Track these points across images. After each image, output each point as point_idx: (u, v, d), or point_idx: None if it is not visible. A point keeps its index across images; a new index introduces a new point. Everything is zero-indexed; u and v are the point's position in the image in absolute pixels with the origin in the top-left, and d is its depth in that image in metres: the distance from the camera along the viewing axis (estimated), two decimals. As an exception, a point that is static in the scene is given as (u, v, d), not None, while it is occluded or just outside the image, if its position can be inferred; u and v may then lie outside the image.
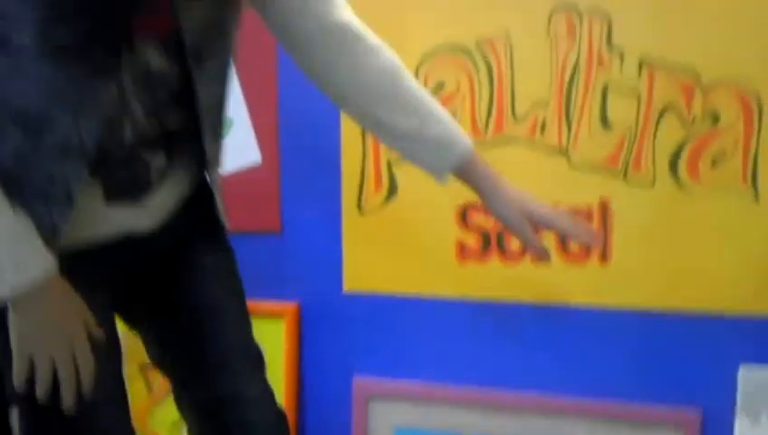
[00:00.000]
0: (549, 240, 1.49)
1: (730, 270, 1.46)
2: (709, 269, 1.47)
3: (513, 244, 1.53)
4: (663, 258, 1.48)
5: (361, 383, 1.68)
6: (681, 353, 1.48)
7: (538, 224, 1.17)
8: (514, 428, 1.60)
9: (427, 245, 1.59)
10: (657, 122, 1.45)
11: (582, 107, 1.48)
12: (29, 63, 0.91)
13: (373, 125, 1.18)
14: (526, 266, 1.53)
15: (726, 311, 1.45)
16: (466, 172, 1.17)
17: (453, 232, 1.55)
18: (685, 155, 1.44)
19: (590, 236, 1.18)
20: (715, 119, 1.43)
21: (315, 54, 1.15)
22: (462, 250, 1.55)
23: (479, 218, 1.54)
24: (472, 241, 1.55)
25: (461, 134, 1.17)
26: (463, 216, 1.54)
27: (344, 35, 1.14)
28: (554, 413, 1.57)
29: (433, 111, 1.17)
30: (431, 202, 1.57)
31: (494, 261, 1.54)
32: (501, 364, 1.58)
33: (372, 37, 1.17)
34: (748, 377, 1.46)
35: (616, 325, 1.52)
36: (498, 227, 1.53)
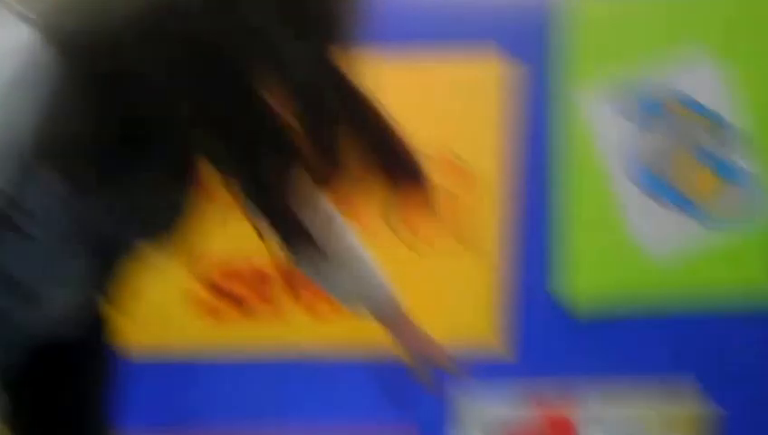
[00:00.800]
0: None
1: (450, 314, 1.52)
2: (429, 312, 1.50)
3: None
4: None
5: None
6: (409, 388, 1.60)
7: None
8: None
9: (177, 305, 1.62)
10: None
11: None
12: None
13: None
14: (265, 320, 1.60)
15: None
16: (381, 318, 1.32)
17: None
18: (398, 211, 1.54)
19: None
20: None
21: None
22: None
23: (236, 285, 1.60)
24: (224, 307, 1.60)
25: (384, 286, 1.32)
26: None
27: None
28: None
29: (364, 262, 1.31)
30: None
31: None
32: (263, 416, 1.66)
33: None
34: (466, 410, 1.54)
35: (351, 368, 1.58)
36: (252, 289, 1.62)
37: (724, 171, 1.51)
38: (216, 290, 1.60)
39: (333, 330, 1.60)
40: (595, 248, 1.52)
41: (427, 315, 1.55)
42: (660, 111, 1.54)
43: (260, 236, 1.04)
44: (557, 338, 1.55)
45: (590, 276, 1.53)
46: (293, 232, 1.10)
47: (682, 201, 1.50)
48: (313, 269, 1.29)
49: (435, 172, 1.50)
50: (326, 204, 1.14)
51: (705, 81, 1.51)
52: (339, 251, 1.31)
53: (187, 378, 1.64)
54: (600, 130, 1.52)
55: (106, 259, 1.05)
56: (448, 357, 1.42)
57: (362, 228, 1.53)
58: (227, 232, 1.47)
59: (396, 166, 1.07)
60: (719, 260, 1.50)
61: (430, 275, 1.56)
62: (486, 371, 1.57)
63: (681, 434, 1.54)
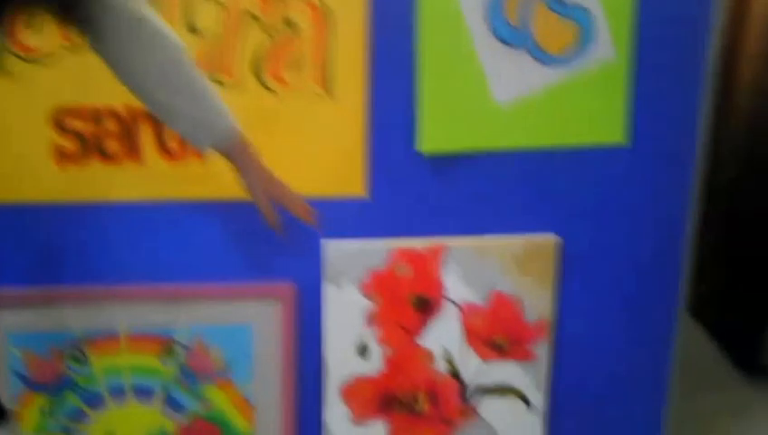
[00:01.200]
0: (147, 138, 1.56)
1: (313, 160, 1.63)
2: (296, 160, 1.62)
3: (113, 146, 1.57)
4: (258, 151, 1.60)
5: None
6: (273, 235, 1.58)
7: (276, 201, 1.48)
8: (123, 317, 1.66)
9: (23, 150, 1.58)
10: (241, 28, 1.54)
11: (170, 13, 1.51)
12: None
13: (149, 102, 1.35)
14: (127, 167, 1.58)
15: (311, 194, 1.61)
16: (225, 151, 1.41)
17: (48, 136, 1.54)
18: (266, 59, 1.55)
19: (309, 216, 1.52)
20: (292, 27, 1.55)
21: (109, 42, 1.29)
22: (60, 154, 1.55)
23: (75, 122, 1.55)
24: (69, 145, 1.55)
25: (226, 117, 1.38)
26: (57, 120, 1.54)
27: (135, 21, 1.28)
28: (161, 300, 1.65)
29: (206, 94, 1.37)
30: (23, 107, 1.55)
31: (95, 163, 1.57)
32: (104, 261, 1.62)
33: (158, 20, 1.32)
34: (331, 250, 1.67)
35: (217, 214, 1.63)
36: (96, 130, 1.55)
37: (569, 13, 1.59)
38: (67, 132, 1.56)
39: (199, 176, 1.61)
40: (449, 94, 1.59)
41: (292, 160, 1.62)
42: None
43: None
44: (414, 181, 1.63)
45: (444, 121, 1.59)
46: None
47: (531, 45, 1.58)
48: (158, 106, 1.36)
49: (298, 17, 1.57)
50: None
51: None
52: (181, 82, 1.36)
53: (46, 225, 1.62)
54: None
55: None
56: (299, 200, 1.51)
57: (230, 79, 1.55)
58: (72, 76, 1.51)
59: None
60: (563, 100, 1.60)
61: (294, 121, 1.60)
62: (349, 214, 1.65)
63: (533, 262, 1.68)
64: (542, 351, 1.76)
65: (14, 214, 1.61)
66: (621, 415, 1.85)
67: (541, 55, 1.60)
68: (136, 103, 1.45)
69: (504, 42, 1.59)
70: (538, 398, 1.79)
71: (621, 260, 1.74)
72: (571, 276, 1.73)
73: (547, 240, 1.70)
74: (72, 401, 1.72)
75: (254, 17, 1.56)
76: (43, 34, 1.51)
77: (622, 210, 1.71)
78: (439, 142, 1.63)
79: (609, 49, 1.61)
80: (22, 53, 1.51)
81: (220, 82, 1.55)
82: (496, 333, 1.75)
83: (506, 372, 1.77)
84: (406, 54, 1.59)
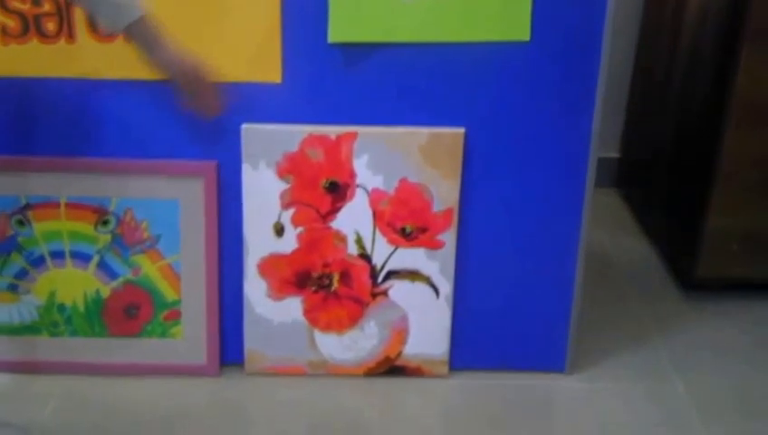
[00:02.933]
0: (80, 19, 1.68)
1: (232, 47, 1.73)
2: (216, 47, 1.71)
3: (50, 26, 1.72)
4: (175, 36, 1.60)
5: None
6: (195, 115, 1.69)
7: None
8: (64, 187, 1.80)
9: None
10: None
11: None
12: None
13: None
14: (63, 46, 1.73)
15: (226, 79, 1.71)
16: (138, 33, 1.50)
17: (-9, 15, 1.79)
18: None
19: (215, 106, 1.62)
20: None
21: None
22: (3, 32, 1.70)
23: (16, 3, 1.70)
24: (12, 24, 1.70)
25: (135, 4, 1.50)
26: (1, 1, 1.71)
27: None
28: (96, 171, 1.80)
29: None
30: None
31: (34, 42, 1.73)
32: (47, 133, 1.77)
33: None
34: (249, 133, 1.80)
35: (145, 96, 1.74)
36: (35, 11, 1.70)
37: None
38: (10, 12, 1.69)
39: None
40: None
41: (212, 47, 1.71)
42: None
43: None
44: (326, 70, 1.72)
45: (352, 13, 1.67)
46: None
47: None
48: None
49: None
50: None
51: None
52: None
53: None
54: None
55: None
56: (210, 88, 1.60)
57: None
58: None
59: None
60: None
61: (214, 10, 1.68)
62: (265, 99, 1.76)
63: (439, 153, 1.76)
64: (448, 239, 1.87)
65: None
66: (527, 306, 1.93)
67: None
68: (69, -15, 1.67)
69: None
70: (445, 285, 1.90)
71: (526, 152, 1.80)
72: (477, 168, 1.82)
73: (453, 132, 1.79)
74: (18, 261, 1.91)
75: None
76: None
77: (526, 104, 1.77)
78: (348, 34, 1.71)
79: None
80: (-36, -65, 1.73)
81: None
82: (405, 220, 1.85)
83: (415, 257, 1.88)
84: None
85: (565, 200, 1.86)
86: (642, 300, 2.36)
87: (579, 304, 1.96)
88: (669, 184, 2.57)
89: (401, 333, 1.95)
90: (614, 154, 2.98)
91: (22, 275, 1.92)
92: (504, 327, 1.97)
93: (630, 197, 2.94)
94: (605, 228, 2.67)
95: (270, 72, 1.75)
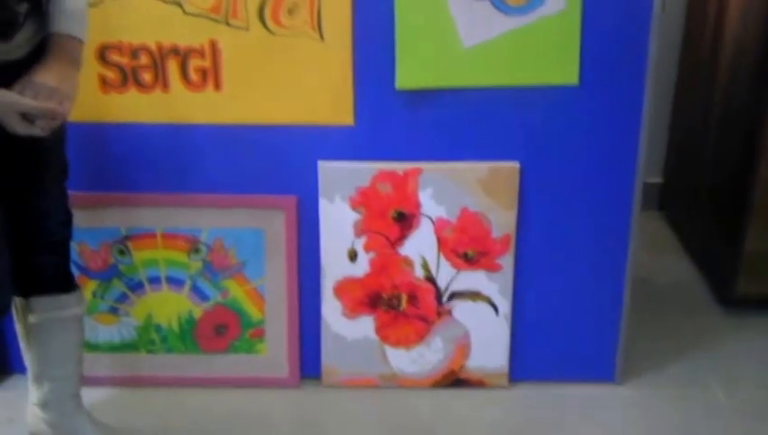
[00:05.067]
0: (173, 71, 1.90)
1: (308, 93, 1.94)
2: (294, 93, 1.95)
3: (147, 77, 1.93)
4: (261, 85, 1.94)
5: None
6: (278, 154, 1.99)
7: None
8: (159, 219, 2.02)
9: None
10: (248, -20, 1.96)
11: None
12: None
13: None
14: (158, 95, 1.94)
15: (305, 122, 1.96)
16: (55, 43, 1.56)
17: (95, 68, 1.91)
18: (269, 6, 1.87)
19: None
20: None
21: None
22: (104, 82, 1.92)
23: (116, 56, 1.91)
24: (112, 75, 1.92)
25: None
26: (102, 54, 1.91)
27: None
28: (189, 206, 2.01)
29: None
30: None
31: (132, 91, 1.94)
32: (145, 172, 1.99)
33: None
34: (325, 170, 2.00)
35: (232, 137, 1.97)
36: (133, 63, 1.91)
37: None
38: (110, 65, 1.91)
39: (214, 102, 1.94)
40: (422, 39, 1.85)
41: (291, 94, 1.94)
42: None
43: None
44: (393, 113, 1.91)
45: (418, 62, 1.86)
46: None
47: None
48: None
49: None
50: None
51: None
52: None
53: (95, 140, 1.99)
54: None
55: None
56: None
57: (239, 22, 1.84)
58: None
59: None
60: (522, 45, 1.84)
61: (292, 60, 1.89)
62: (340, 140, 1.96)
63: (496, 185, 1.94)
64: (507, 262, 2.05)
65: (71, 132, 1.90)
66: (580, 321, 2.11)
67: (502, 6, 1.86)
68: (165, 41, 1.88)
69: (470, -6, 1.90)
70: (504, 304, 2.09)
71: (576, 181, 1.99)
72: (531, 197, 2.00)
73: (509, 166, 1.98)
74: (119, 286, 2.13)
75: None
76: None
77: (575, 138, 1.95)
78: (414, 80, 1.91)
79: (561, 0, 1.86)
80: (75, 1, 1.93)
81: (230, 24, 1.89)
82: (466, 245, 2.05)
83: (476, 279, 2.07)
84: (386, 4, 1.87)
85: (613, 224, 2.04)
86: (685, 316, 2.52)
87: (627, 318, 2.13)
88: (710, 207, 2.71)
89: (464, 349, 2.14)
90: (658, 179, 3.13)
91: (122, 298, 2.14)
92: (559, 341, 2.15)
93: (674, 219, 3.09)
94: (650, 249, 2.82)
95: (343, 115, 1.96)
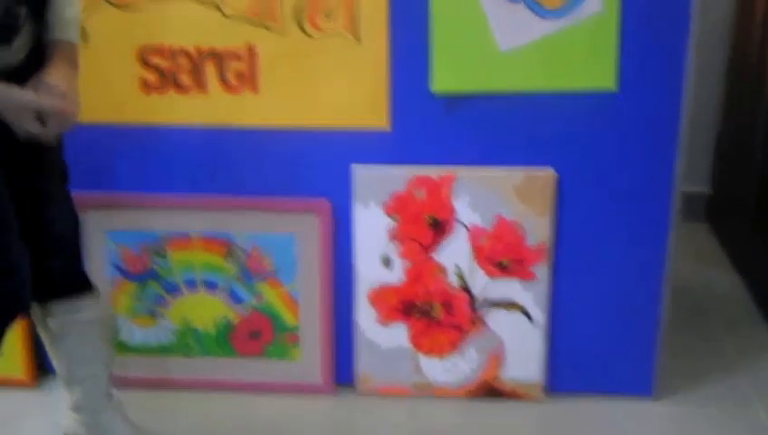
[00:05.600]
0: (211, 73, 1.93)
1: (344, 96, 1.96)
2: (330, 96, 1.96)
3: (185, 79, 1.97)
4: (297, 88, 1.95)
5: (74, 198, 2.01)
6: (313, 158, 1.99)
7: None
8: (196, 222, 2.05)
9: (116, 81, 1.99)
10: (284, -17, 1.99)
11: None
12: None
13: None
14: (196, 97, 1.97)
15: (341, 125, 1.96)
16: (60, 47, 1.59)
17: (136, 70, 1.95)
18: (305, 9, 1.89)
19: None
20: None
21: None
22: (145, 84, 1.96)
23: (156, 59, 1.95)
24: (152, 77, 1.96)
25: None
26: (143, 57, 1.94)
27: None
28: (224, 209, 2.03)
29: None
30: (117, 46, 1.95)
31: (171, 93, 1.98)
32: (183, 174, 2.02)
33: None
34: (359, 174, 2.00)
35: (267, 140, 1.99)
36: (172, 66, 1.94)
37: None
38: (150, 67, 1.94)
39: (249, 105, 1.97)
40: (458, 43, 1.85)
41: (327, 97, 1.95)
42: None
43: None
44: (429, 117, 1.91)
45: (453, 66, 1.86)
46: None
47: (529, 0, 1.81)
48: None
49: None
50: None
51: None
52: None
53: (135, 142, 2.02)
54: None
55: None
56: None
57: (276, 25, 1.86)
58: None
59: None
60: (558, 49, 1.83)
61: (328, 63, 1.91)
62: (375, 144, 1.96)
63: (532, 192, 1.92)
64: (542, 271, 2.02)
65: (110, 133, 2.02)
66: (617, 333, 2.06)
67: (538, 9, 1.85)
68: (203, 45, 1.91)
69: (508, -1, 1.90)
70: (539, 314, 2.05)
71: (614, 190, 1.95)
72: (568, 205, 1.97)
73: (545, 173, 1.95)
74: (156, 288, 2.16)
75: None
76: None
77: (613, 146, 1.92)
78: (449, 84, 1.91)
79: (598, 2, 1.83)
80: (115, 2, 1.93)
81: (267, 28, 1.91)
82: (500, 253, 2.02)
83: (510, 288, 2.04)
84: (422, 7, 1.88)
85: (652, 234, 1.99)
86: (728, 331, 2.45)
87: (666, 332, 2.07)
88: (758, 219, 2.65)
89: (498, 359, 2.11)
90: (705, 190, 3.07)
91: (159, 301, 2.16)
92: (595, 354, 2.10)
93: (720, 231, 3.02)
94: (695, 261, 2.77)
95: (379, 119, 1.96)
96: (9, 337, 1.88)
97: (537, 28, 1.85)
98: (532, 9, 1.84)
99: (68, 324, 1.80)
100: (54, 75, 1.57)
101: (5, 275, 1.59)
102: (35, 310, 1.81)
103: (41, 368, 2.20)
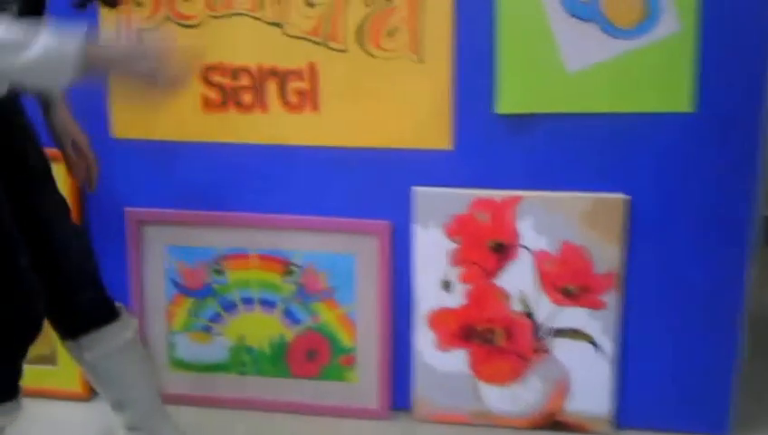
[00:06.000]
0: (272, 92, 1.90)
1: (406, 116, 1.91)
2: (392, 115, 1.91)
3: (246, 98, 1.95)
4: (358, 107, 1.92)
5: (133, 213, 2.08)
6: (373, 179, 1.95)
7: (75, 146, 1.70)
8: (254, 241, 2.03)
9: (178, 99, 1.89)
10: (347, 3, 1.85)
11: None
12: None
13: None
14: (257, 115, 1.95)
15: (401, 146, 1.92)
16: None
17: (197, 88, 1.93)
18: (367, 28, 1.86)
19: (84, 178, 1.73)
20: (388, 0, 1.84)
21: None
22: (206, 102, 1.94)
23: (218, 77, 1.93)
24: (213, 95, 1.94)
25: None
26: (204, 75, 1.92)
27: None
28: (282, 228, 2.01)
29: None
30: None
31: (232, 111, 1.96)
32: (242, 192, 2.00)
33: None
34: (421, 196, 1.94)
35: (327, 160, 1.96)
36: (233, 84, 1.93)
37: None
38: (212, 85, 1.92)
39: (310, 125, 1.93)
40: (525, 62, 1.78)
41: (388, 116, 1.90)
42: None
43: None
44: (493, 138, 1.85)
45: (520, 86, 1.80)
46: None
47: (601, 19, 1.73)
48: None
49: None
50: None
51: None
52: None
53: (196, 160, 2.01)
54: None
55: None
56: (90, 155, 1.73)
57: (339, 45, 1.82)
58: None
59: None
60: (631, 70, 1.75)
61: (391, 82, 1.87)
62: (437, 165, 1.91)
63: (601, 218, 1.84)
64: (611, 299, 1.93)
65: (171, 150, 2.00)
66: (691, 366, 1.95)
67: (610, 28, 1.77)
68: (265, 63, 1.88)
69: (575, 16, 1.77)
70: (607, 344, 1.96)
71: (689, 216, 1.86)
72: (639, 232, 1.88)
73: (616, 198, 1.86)
74: (213, 305, 2.13)
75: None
76: (194, 3, 1.91)
77: (688, 170, 1.83)
78: (515, 105, 1.84)
79: (675, 22, 1.74)
80: (179, 20, 1.92)
81: (329, 47, 1.88)
82: (567, 280, 1.94)
83: (577, 317, 1.96)
84: (487, 26, 1.81)
85: (729, 262, 1.89)
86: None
87: (743, 366, 1.98)
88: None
89: (563, 389, 2.02)
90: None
91: (216, 318, 2.13)
92: (667, 387, 2.00)
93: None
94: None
95: (441, 139, 1.90)
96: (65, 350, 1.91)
97: (608, 48, 1.77)
98: (603, 28, 1.76)
99: (105, 354, 1.77)
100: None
101: (21, 298, 1.55)
102: (70, 347, 1.78)
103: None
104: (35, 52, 1.22)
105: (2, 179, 1.52)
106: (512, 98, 1.83)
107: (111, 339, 1.76)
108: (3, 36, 1.23)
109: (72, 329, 1.74)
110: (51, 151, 1.69)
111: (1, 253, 1.51)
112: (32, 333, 1.59)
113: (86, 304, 1.74)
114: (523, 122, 1.85)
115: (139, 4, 1.92)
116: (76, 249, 1.71)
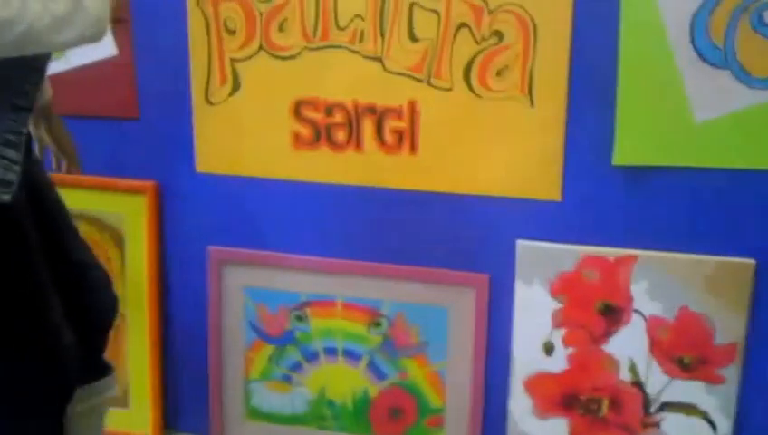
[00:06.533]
0: (368, 130, 1.78)
1: (512, 161, 1.75)
2: (496, 160, 1.76)
3: (340, 135, 1.83)
4: (460, 151, 1.77)
5: (214, 251, 1.98)
6: (473, 228, 1.79)
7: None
8: (341, 287, 1.90)
9: (267, 134, 1.87)
10: (454, 38, 1.72)
11: (393, 22, 1.73)
12: None
13: None
14: (350, 155, 1.83)
15: (506, 194, 1.76)
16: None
17: (288, 123, 1.82)
18: (476, 66, 1.71)
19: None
20: (500, 37, 1.69)
21: None
22: (297, 139, 1.84)
23: (310, 112, 1.82)
24: (305, 132, 1.83)
25: None
26: (296, 109, 1.82)
27: None
28: (371, 275, 1.88)
29: None
30: (270, 97, 1.84)
31: (324, 149, 1.84)
32: (329, 236, 1.88)
33: None
34: (524, 249, 1.78)
35: (424, 205, 1.82)
36: (327, 120, 1.81)
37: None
38: (303, 121, 1.81)
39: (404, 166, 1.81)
40: (648, 110, 1.61)
41: (493, 160, 1.74)
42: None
43: None
44: (607, 190, 1.68)
45: (641, 136, 1.62)
46: None
47: (735, 67, 1.56)
48: None
49: (506, 29, 1.69)
50: None
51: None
52: None
53: (280, 199, 1.90)
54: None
55: None
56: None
57: (443, 82, 1.70)
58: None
59: None
60: (765, 123, 1.56)
61: (497, 125, 1.71)
62: (543, 217, 1.75)
63: (726, 284, 1.66)
64: (731, 374, 1.74)
65: (258, 187, 1.89)
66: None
67: (744, 77, 1.58)
68: (361, 99, 1.75)
69: (706, 61, 1.60)
70: (724, 422, 1.76)
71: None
72: (766, 301, 1.68)
73: (743, 262, 1.67)
74: (294, 354, 2.00)
75: (467, 27, 1.71)
76: (289, 34, 1.80)
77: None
78: (635, 156, 1.66)
79: (819, 73, 1.59)
80: (272, 51, 1.81)
81: (432, 85, 1.73)
82: (683, 350, 1.75)
83: (692, 391, 1.76)
84: (606, 68, 1.64)
85: None
86: None
87: None
88: None
89: (673, 469, 1.91)
90: None
91: (296, 367, 2.01)
92: (788, 474, 1.87)
93: None
94: None
95: (550, 189, 1.74)
96: (138, 392, 1.83)
97: (742, 98, 1.58)
98: (738, 77, 1.58)
99: (94, 407, 1.68)
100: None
101: (51, 356, 1.49)
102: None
103: (166, 425, 2.09)
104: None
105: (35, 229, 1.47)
106: (631, 147, 1.66)
107: (103, 392, 1.71)
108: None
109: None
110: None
111: (32, 310, 1.44)
112: (67, 389, 1.53)
113: (90, 357, 1.67)
114: (641, 174, 1.67)
115: (231, 33, 1.86)
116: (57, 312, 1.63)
